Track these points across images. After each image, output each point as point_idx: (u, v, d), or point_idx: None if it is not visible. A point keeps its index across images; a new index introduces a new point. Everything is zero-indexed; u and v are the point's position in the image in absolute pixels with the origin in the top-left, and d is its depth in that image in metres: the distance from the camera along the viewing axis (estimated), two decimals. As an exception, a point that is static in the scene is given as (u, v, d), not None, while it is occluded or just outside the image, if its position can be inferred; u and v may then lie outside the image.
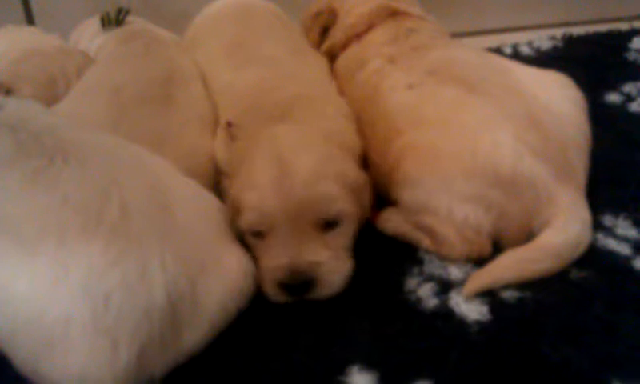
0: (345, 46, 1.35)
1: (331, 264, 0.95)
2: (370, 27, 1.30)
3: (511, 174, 0.96)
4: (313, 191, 0.94)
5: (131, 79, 1.16)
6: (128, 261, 0.78)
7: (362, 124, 1.15)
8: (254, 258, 0.96)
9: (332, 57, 1.38)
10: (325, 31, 1.41)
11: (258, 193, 0.95)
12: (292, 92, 1.12)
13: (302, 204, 0.93)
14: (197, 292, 0.84)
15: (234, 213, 0.98)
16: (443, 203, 0.98)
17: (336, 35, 1.37)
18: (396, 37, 1.24)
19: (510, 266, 0.94)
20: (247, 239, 0.98)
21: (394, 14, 1.30)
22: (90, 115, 1.09)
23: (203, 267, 0.86)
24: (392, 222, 1.07)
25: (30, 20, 1.88)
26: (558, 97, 1.09)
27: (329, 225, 0.96)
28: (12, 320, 0.78)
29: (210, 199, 0.98)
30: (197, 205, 0.93)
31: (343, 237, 0.98)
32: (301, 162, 0.95)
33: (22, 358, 0.79)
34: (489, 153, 0.97)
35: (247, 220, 0.96)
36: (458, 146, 0.99)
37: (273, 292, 0.94)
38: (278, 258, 0.94)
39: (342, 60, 1.34)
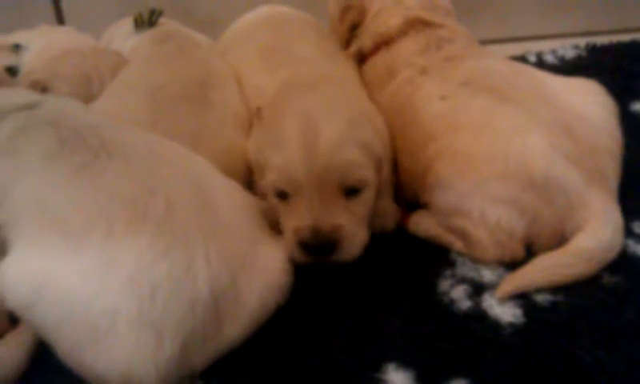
0: (373, 52, 1.35)
1: (352, 229, 0.98)
2: (400, 35, 1.29)
3: (544, 177, 0.97)
4: (339, 156, 0.96)
5: (167, 80, 1.18)
6: (174, 255, 0.80)
7: (391, 129, 1.16)
8: (278, 219, 1.00)
9: (359, 59, 1.38)
10: (354, 28, 1.40)
11: (284, 154, 0.97)
12: (322, 73, 1.15)
13: (327, 168, 0.96)
14: (238, 287, 0.85)
15: (258, 171, 1.00)
16: (476, 205, 0.99)
17: (364, 41, 1.36)
18: (427, 47, 1.23)
19: (543, 270, 0.95)
20: (270, 199, 1.01)
21: (425, 24, 1.29)
22: (128, 113, 1.11)
23: (243, 263, 0.88)
24: (423, 224, 1.09)
25: (60, 20, 1.91)
26: (589, 103, 1.10)
27: (351, 191, 0.99)
28: (58, 311, 0.78)
29: (246, 196, 1.00)
30: (236, 202, 0.95)
31: (363, 205, 1.01)
32: (328, 127, 0.97)
33: (67, 348, 0.80)
34: (522, 156, 0.98)
35: (272, 180, 0.99)
36: (492, 149, 1.00)
37: (296, 253, 0.97)
38: (302, 220, 0.96)
39: (371, 65, 1.34)
